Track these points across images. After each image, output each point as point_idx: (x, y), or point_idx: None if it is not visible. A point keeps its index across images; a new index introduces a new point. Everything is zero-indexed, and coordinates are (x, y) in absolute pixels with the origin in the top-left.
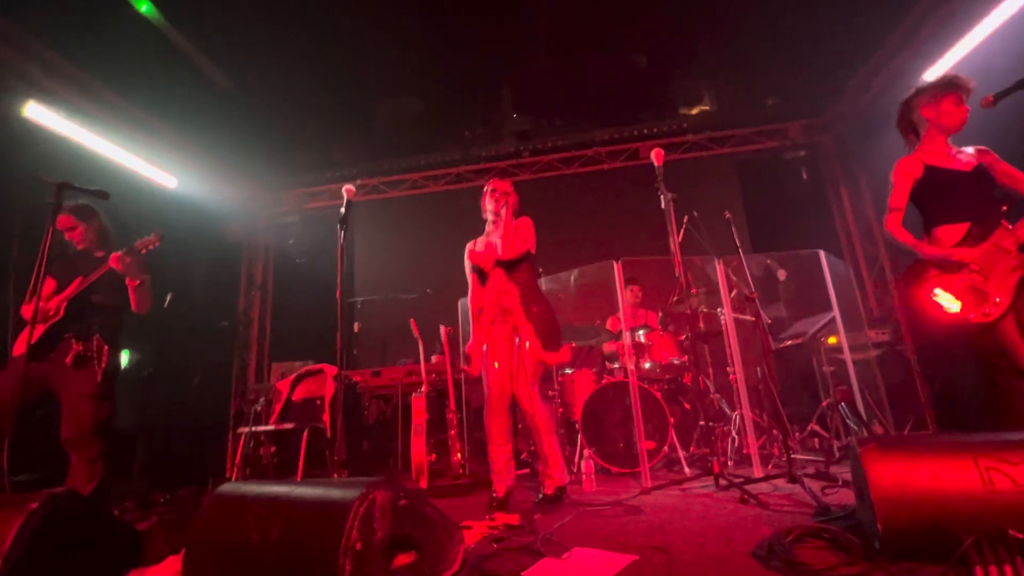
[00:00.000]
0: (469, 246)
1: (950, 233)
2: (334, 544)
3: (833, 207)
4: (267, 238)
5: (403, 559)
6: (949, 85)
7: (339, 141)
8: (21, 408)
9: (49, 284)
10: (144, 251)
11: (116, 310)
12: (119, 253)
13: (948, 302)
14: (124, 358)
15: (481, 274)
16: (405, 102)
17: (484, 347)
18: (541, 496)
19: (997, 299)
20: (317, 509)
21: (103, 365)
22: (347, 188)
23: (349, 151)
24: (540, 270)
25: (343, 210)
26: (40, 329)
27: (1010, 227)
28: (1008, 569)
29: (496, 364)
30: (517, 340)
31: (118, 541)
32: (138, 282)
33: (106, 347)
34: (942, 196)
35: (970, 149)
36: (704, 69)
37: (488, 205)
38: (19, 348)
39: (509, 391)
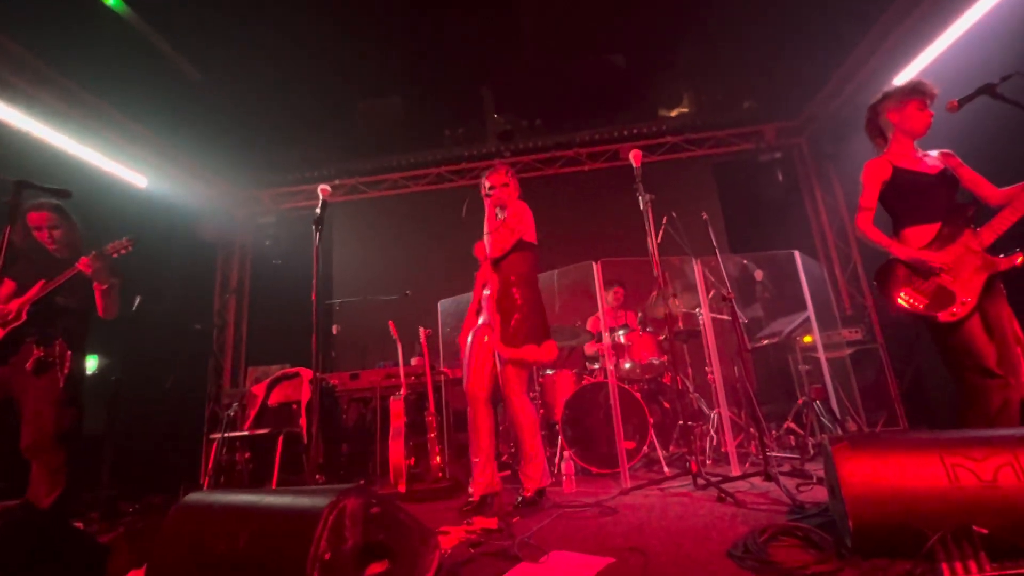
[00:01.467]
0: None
1: (919, 234)
2: (302, 554)
3: (808, 208)
4: (243, 239)
5: (376, 568)
6: (913, 91)
7: (317, 140)
8: None
9: (8, 285)
10: (115, 255)
11: (82, 314)
12: (88, 257)
13: (915, 300)
14: (91, 363)
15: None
16: (385, 101)
17: (468, 339)
18: (520, 499)
19: (965, 299)
20: (285, 518)
21: (66, 371)
22: (322, 188)
23: (327, 150)
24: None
25: (318, 210)
26: (2, 332)
27: (976, 230)
28: (972, 564)
29: (467, 359)
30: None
31: (79, 556)
32: (106, 286)
33: (69, 352)
34: (910, 197)
35: (935, 152)
36: (683, 71)
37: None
38: None
39: (477, 387)
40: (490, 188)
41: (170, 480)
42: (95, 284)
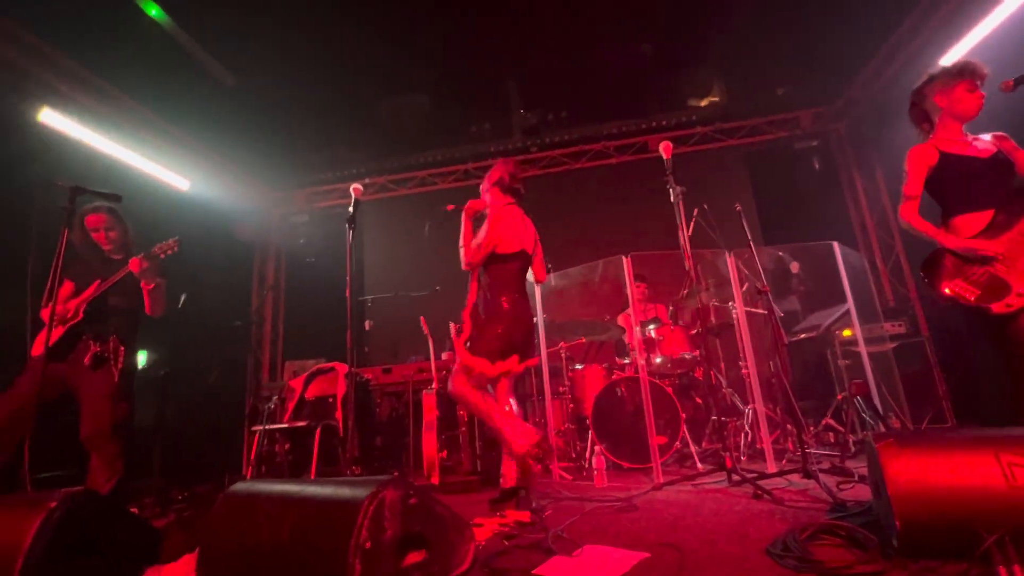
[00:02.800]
0: None
1: (971, 222)
2: (344, 543)
3: (847, 197)
4: (278, 238)
5: (414, 557)
6: (962, 71)
7: (346, 139)
8: (42, 408)
9: (67, 287)
10: (163, 256)
11: (133, 312)
12: (139, 257)
13: (965, 292)
14: (141, 358)
15: None
16: (412, 99)
17: None
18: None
19: (1021, 290)
20: (327, 508)
21: (120, 365)
22: (355, 187)
23: (357, 149)
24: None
25: (351, 209)
26: (60, 331)
27: None
28: None
29: None
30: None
31: (136, 539)
32: (153, 285)
33: (122, 348)
34: (960, 184)
35: (987, 136)
36: (713, 59)
37: None
38: (37, 349)
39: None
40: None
41: (215, 469)
42: (143, 283)
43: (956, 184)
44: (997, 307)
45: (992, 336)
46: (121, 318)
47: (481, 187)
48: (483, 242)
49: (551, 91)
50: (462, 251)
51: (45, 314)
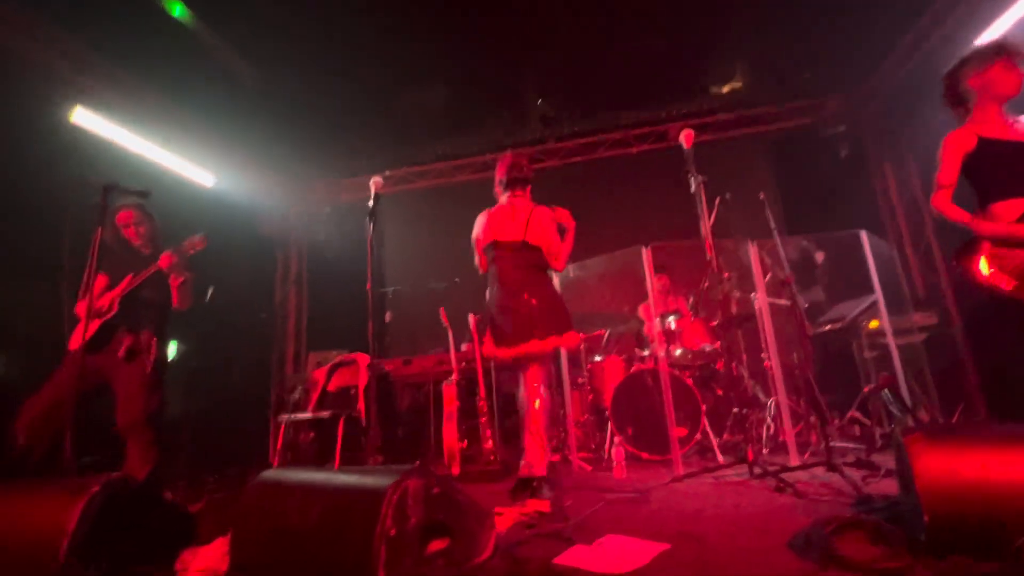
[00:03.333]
0: None
1: (1011, 208)
2: (369, 530)
3: (875, 184)
4: (300, 232)
5: (436, 545)
6: (998, 50)
7: (365, 132)
8: (80, 399)
9: (101, 281)
10: (191, 251)
11: (163, 305)
12: (168, 252)
13: (1002, 282)
14: (172, 350)
15: None
16: (429, 90)
17: None
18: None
19: None
20: (353, 496)
21: (152, 357)
22: (375, 180)
23: (375, 142)
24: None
25: (371, 203)
26: (95, 324)
27: None
28: None
29: None
30: None
31: (172, 522)
32: (181, 280)
33: (155, 340)
34: (999, 169)
35: None
36: (735, 43)
37: None
38: (75, 343)
39: None
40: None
41: (243, 458)
42: (171, 279)
43: (995, 169)
44: None
45: (1012, 327)
46: (153, 311)
47: (495, 190)
48: (472, 246)
49: (569, 80)
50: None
51: (80, 308)
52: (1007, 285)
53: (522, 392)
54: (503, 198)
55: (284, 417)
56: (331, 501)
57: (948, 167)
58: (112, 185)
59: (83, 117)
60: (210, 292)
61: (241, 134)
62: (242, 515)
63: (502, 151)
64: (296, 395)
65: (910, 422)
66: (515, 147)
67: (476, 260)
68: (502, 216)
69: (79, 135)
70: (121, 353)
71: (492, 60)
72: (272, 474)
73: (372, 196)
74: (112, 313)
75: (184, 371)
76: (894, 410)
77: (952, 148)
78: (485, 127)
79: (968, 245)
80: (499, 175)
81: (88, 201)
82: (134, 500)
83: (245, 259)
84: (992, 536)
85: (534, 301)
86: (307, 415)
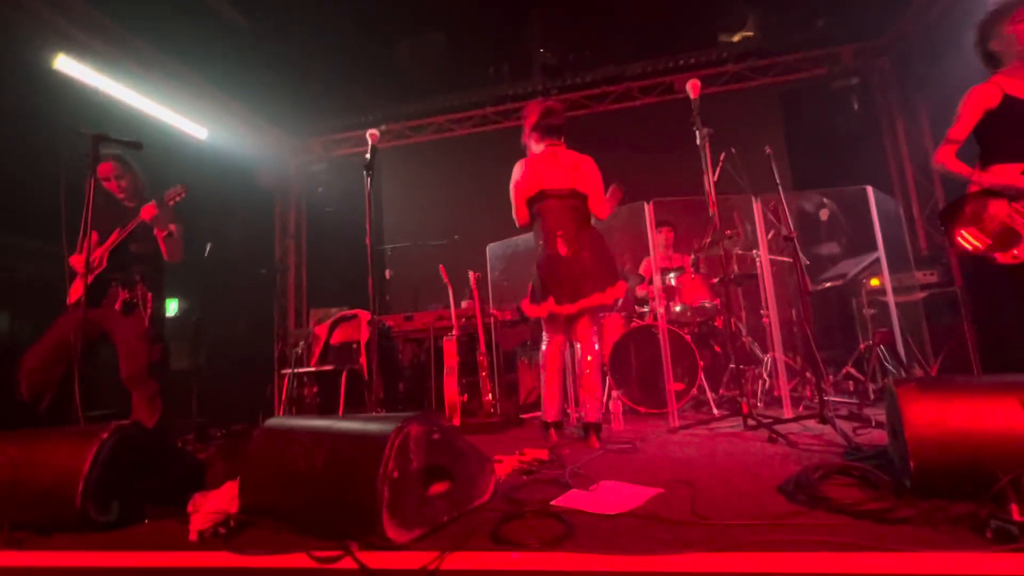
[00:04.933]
0: None
1: (1010, 172)
2: (373, 472)
3: (886, 139)
4: (297, 186)
5: (438, 488)
6: (1006, 9)
7: (363, 84)
8: (84, 347)
9: (92, 236)
10: (172, 203)
11: (155, 258)
12: (149, 205)
13: (976, 242)
14: (173, 305)
15: None
16: (428, 38)
17: None
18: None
19: None
20: (357, 441)
21: (148, 311)
22: (371, 133)
23: (373, 94)
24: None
25: (368, 156)
26: (88, 279)
27: None
28: None
29: None
30: None
31: (182, 468)
32: (166, 232)
33: (150, 294)
34: (1012, 131)
35: None
36: None
37: None
38: (74, 296)
39: None
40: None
41: (249, 410)
42: (156, 231)
43: (1014, 132)
44: (1003, 257)
45: (1012, 287)
46: (145, 265)
47: (523, 139)
48: (512, 198)
49: (573, 28)
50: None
51: (73, 261)
52: (981, 243)
53: (577, 347)
54: (539, 147)
55: (288, 371)
56: (336, 446)
57: (965, 121)
58: (102, 135)
59: (67, 65)
60: (208, 247)
61: (236, 85)
62: (250, 460)
63: (503, 104)
64: (299, 350)
65: (904, 376)
66: (516, 100)
67: (515, 213)
68: (546, 164)
69: (64, 84)
70: (117, 306)
71: (494, 7)
72: (278, 421)
73: (369, 148)
74: (102, 268)
75: (187, 326)
76: (889, 367)
77: (974, 102)
78: (486, 78)
79: (954, 204)
80: (531, 121)
81: (76, 152)
82: (145, 447)
83: (243, 213)
84: (976, 480)
85: (586, 253)
86: (310, 369)
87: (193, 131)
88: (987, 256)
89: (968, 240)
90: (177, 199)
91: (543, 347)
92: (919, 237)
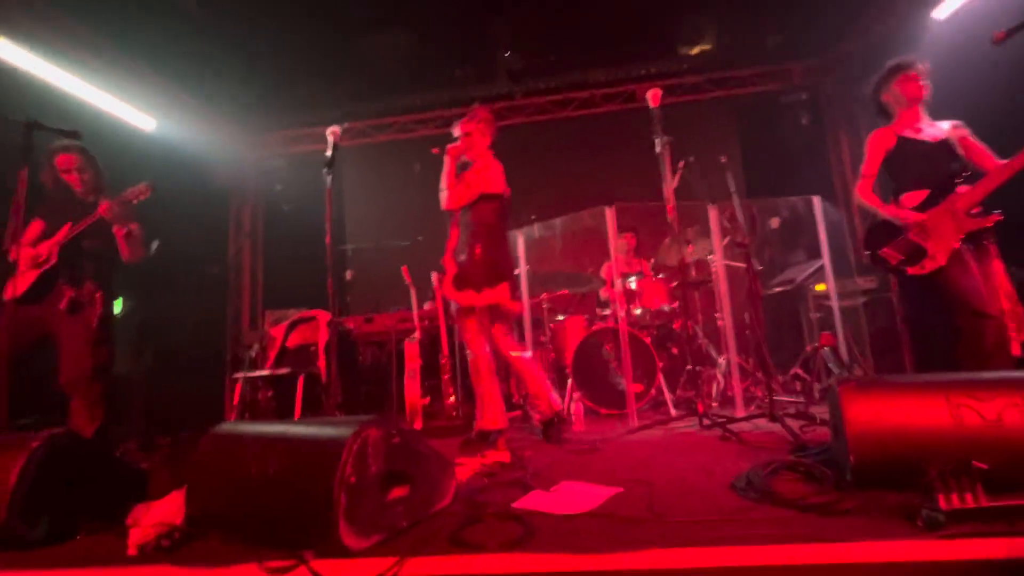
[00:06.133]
0: None
1: (913, 199)
2: (329, 478)
3: (831, 153)
4: (254, 183)
5: (397, 492)
6: (895, 70)
7: (324, 79)
8: (18, 353)
9: (36, 226)
10: (135, 201)
11: (108, 257)
12: (108, 203)
13: (891, 257)
14: (118, 305)
15: None
16: (392, 36)
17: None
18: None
19: (934, 254)
20: (313, 446)
21: (98, 311)
22: (332, 130)
23: (334, 91)
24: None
25: (329, 153)
26: (34, 274)
27: (961, 192)
28: (968, 496)
29: None
30: None
31: (122, 478)
32: (126, 231)
33: (99, 293)
34: (910, 165)
35: (946, 124)
36: (706, 3)
37: None
38: (9, 293)
39: None
40: (454, 137)
41: (197, 416)
42: (115, 229)
43: (907, 165)
44: (912, 269)
45: (928, 295)
46: (97, 263)
47: (463, 128)
48: (473, 183)
49: (537, 35)
50: (443, 193)
51: (14, 254)
52: (894, 260)
53: (487, 369)
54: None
55: (240, 375)
56: (290, 451)
57: (871, 160)
58: (36, 123)
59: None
60: (155, 244)
61: (186, 75)
62: (198, 467)
63: (466, 106)
64: (253, 352)
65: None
66: (481, 102)
67: (455, 200)
68: (500, 167)
69: None
70: (63, 305)
71: (460, 8)
72: (228, 426)
73: (330, 146)
74: (51, 263)
75: (131, 326)
76: (832, 367)
77: (875, 144)
78: (451, 79)
79: (873, 227)
80: (491, 119)
81: (8, 140)
82: (81, 457)
83: (194, 210)
84: (909, 472)
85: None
86: (265, 372)
87: (140, 122)
88: (900, 268)
89: (887, 255)
90: (141, 198)
91: (473, 352)
92: (860, 245)
